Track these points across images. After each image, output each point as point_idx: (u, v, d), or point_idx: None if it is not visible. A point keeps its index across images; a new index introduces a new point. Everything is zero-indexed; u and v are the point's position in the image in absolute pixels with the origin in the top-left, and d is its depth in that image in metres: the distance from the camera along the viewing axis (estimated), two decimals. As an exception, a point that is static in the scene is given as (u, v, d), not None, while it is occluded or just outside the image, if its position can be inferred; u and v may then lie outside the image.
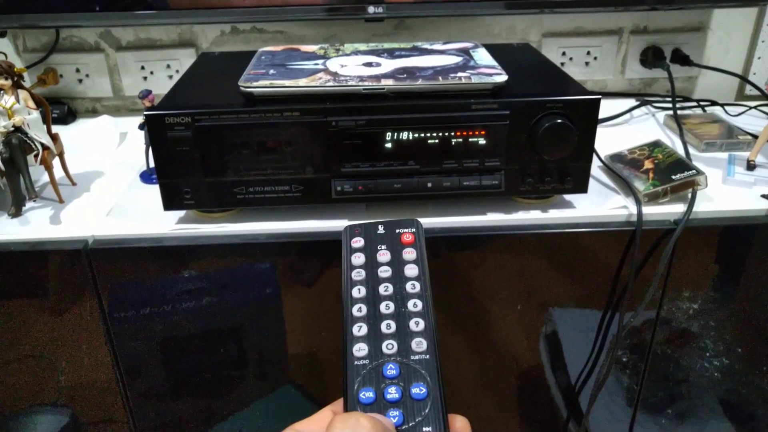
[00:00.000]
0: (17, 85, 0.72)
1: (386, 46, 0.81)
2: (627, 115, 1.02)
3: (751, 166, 0.82)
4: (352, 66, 0.72)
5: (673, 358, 0.82)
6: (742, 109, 1.03)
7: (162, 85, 1.06)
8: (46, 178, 0.80)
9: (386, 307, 0.37)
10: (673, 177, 0.74)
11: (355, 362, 0.34)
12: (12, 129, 0.71)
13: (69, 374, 0.78)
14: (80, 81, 1.07)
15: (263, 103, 0.66)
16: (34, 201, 0.75)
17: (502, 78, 0.67)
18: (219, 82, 0.74)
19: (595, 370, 0.82)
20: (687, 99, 1.09)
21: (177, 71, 1.06)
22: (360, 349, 0.35)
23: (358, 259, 0.40)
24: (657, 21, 1.07)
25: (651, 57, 1.07)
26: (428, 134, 0.67)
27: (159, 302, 0.73)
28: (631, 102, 1.07)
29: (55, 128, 0.79)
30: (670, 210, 0.73)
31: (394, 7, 0.88)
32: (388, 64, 0.72)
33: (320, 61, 0.73)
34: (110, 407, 0.80)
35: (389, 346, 0.35)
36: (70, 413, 0.81)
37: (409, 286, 0.38)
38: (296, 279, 0.73)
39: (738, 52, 1.10)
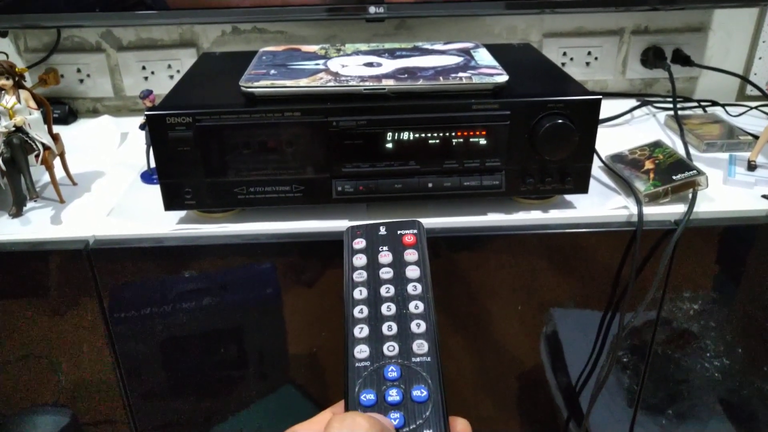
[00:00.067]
0: (18, 85, 0.72)
1: (387, 46, 0.81)
2: (628, 116, 1.02)
3: (751, 167, 0.82)
4: (353, 66, 0.72)
5: (673, 359, 0.82)
6: (743, 109, 1.03)
7: (163, 86, 1.06)
8: (46, 178, 0.80)
9: (387, 309, 0.37)
10: (674, 177, 0.74)
11: (356, 364, 0.34)
12: (13, 129, 0.71)
13: (69, 374, 0.78)
14: (81, 81, 1.07)
15: (264, 103, 0.66)
16: (35, 201, 0.75)
17: (503, 78, 0.67)
18: (220, 82, 0.74)
19: (596, 370, 0.82)
20: (688, 99, 1.09)
21: (178, 71, 1.06)
22: (361, 351, 0.35)
23: (360, 260, 0.40)
24: (658, 21, 1.07)
25: (652, 57, 1.07)
26: (429, 134, 0.67)
27: (160, 302, 0.73)
28: (632, 102, 1.07)
29: (56, 128, 0.79)
30: (671, 210, 0.73)
31: (394, 8, 0.88)
32: (389, 65, 0.72)
33: (321, 62, 0.73)
34: (110, 407, 0.80)
35: (390, 348, 0.35)
36: (71, 413, 0.81)
37: (410, 288, 0.38)
38: (297, 279, 0.73)
39: (739, 53, 1.10)
